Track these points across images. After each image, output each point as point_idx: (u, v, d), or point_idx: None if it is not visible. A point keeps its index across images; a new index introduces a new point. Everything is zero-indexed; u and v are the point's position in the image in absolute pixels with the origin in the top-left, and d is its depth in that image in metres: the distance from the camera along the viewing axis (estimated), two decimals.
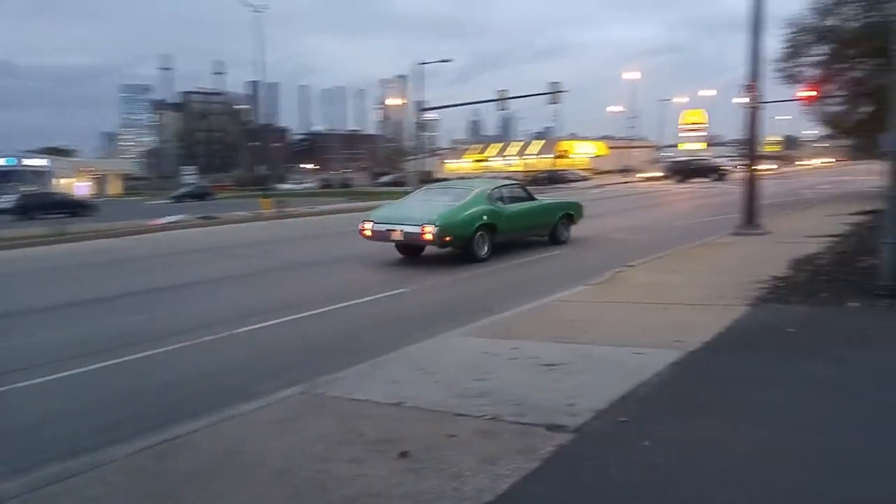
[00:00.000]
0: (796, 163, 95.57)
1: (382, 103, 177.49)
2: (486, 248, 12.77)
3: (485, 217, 12.76)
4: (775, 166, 71.51)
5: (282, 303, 9.55)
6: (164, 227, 24.94)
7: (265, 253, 16.66)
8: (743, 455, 3.73)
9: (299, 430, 4.43)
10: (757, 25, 14.95)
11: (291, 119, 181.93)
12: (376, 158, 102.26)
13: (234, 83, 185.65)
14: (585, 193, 45.17)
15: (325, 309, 9.00)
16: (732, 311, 7.08)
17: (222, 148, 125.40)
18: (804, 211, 20.67)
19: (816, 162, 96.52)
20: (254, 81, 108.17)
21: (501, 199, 13.62)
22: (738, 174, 58.85)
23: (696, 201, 30.65)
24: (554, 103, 45.08)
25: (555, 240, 14.83)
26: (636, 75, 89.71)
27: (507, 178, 67.26)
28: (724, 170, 54.83)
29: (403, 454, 3.93)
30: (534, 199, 15.00)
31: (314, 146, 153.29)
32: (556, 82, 43.44)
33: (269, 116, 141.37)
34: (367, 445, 4.10)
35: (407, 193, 21.25)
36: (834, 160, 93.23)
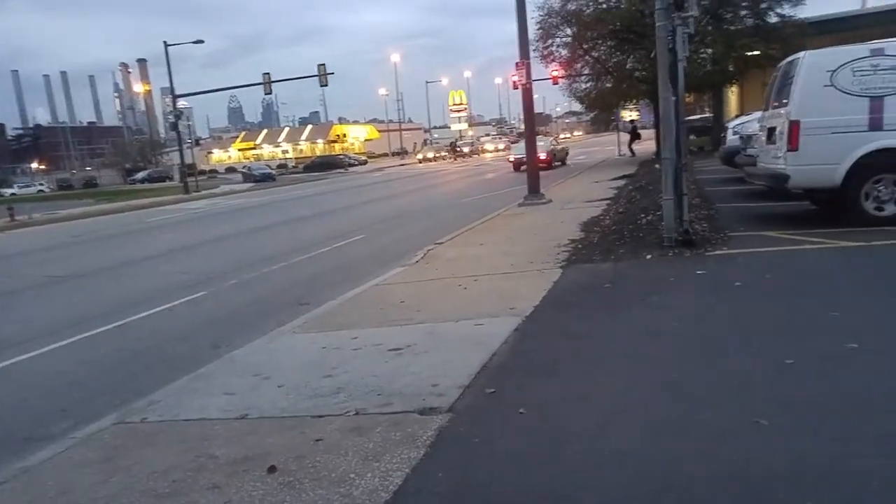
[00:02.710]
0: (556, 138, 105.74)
1: (123, 91, 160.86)
2: None
3: None
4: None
5: (50, 326, 8.20)
6: None
7: (12, 270, 14.34)
8: (608, 404, 3.90)
9: (130, 468, 3.76)
10: (521, 9, 15.82)
11: (3, 112, 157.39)
12: (125, 153, 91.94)
13: None
14: (368, 177, 45.59)
15: (108, 326, 7.91)
16: (549, 275, 7.46)
17: None
18: (573, 179, 22.64)
19: (568, 136, 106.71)
20: None
21: None
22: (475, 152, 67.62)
23: (474, 178, 32.23)
24: (323, 86, 44.19)
25: None
26: (398, 58, 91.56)
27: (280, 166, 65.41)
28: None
29: (271, 469, 3.54)
30: None
31: (39, 143, 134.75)
32: (323, 64, 42.54)
33: None
34: (224, 468, 3.62)
35: (179, 189, 19.72)
36: (581, 134, 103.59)
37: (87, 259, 14.90)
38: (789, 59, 9.32)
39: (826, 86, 8.28)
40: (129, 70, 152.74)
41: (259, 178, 52.89)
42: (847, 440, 3.20)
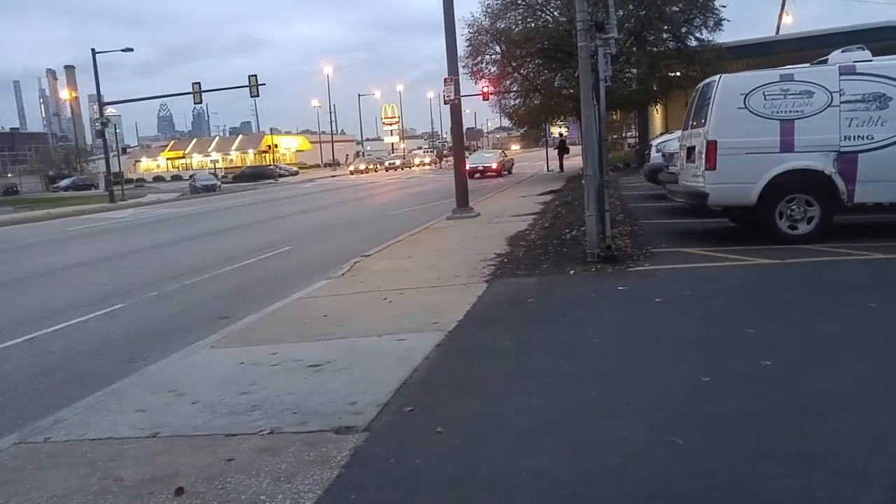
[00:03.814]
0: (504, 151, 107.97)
1: (49, 97, 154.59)
2: None
3: None
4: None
5: None
6: None
7: None
8: (526, 422, 3.90)
9: (28, 492, 3.54)
10: (450, 26, 15.94)
11: None
12: (49, 160, 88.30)
13: None
14: (299, 188, 44.94)
15: (16, 340, 7.45)
16: (473, 289, 7.48)
17: None
18: (501, 193, 22.90)
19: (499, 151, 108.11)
20: None
21: None
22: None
23: (406, 191, 32.22)
24: (254, 96, 43.61)
25: None
26: (331, 70, 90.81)
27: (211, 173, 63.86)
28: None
29: (179, 491, 3.38)
30: None
31: None
32: (254, 75, 42.09)
33: None
34: (129, 490, 3.44)
35: (105, 198, 19.03)
36: (518, 148, 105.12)
37: (1, 269, 14.10)
38: (706, 81, 9.70)
39: (740, 108, 8.63)
40: (56, 77, 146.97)
41: (200, 189, 48.42)
42: (758, 459, 3.24)
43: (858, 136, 8.44)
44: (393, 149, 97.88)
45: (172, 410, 4.58)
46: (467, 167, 38.59)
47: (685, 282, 7.18)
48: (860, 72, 8.55)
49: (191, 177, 60.37)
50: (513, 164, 43.94)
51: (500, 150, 54.58)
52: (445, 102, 16.54)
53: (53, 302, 9.65)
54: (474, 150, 56.84)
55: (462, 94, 17.42)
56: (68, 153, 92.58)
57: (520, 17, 29.98)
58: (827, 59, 9.10)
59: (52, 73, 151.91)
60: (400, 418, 4.08)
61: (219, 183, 53.24)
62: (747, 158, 8.68)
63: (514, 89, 33.73)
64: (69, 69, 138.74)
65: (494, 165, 38.48)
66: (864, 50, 9.08)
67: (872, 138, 8.41)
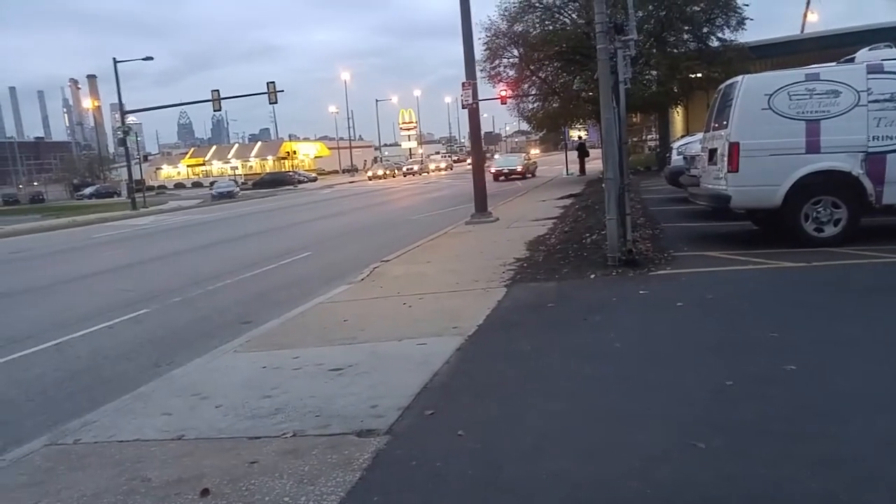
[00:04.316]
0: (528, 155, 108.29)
1: (73, 106, 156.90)
2: None
3: None
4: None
5: None
6: None
7: None
8: (546, 426, 3.91)
9: (59, 492, 3.63)
10: (468, 31, 15.97)
11: None
12: (73, 168, 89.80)
13: None
14: (317, 194, 45.24)
15: (45, 345, 7.59)
16: (493, 294, 7.49)
17: None
18: (520, 198, 22.85)
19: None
20: None
21: None
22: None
23: (424, 196, 32.28)
24: (273, 103, 43.97)
25: None
26: (348, 76, 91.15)
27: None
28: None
29: (205, 492, 3.44)
30: None
31: None
32: (272, 82, 42.54)
33: None
34: (157, 491, 3.50)
35: (127, 205, 19.28)
36: (538, 152, 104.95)
37: (29, 275, 14.37)
38: (729, 82, 9.59)
39: (764, 109, 8.50)
40: (79, 86, 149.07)
41: (217, 196, 48.76)
42: (779, 463, 3.23)
43: (887, 136, 8.26)
44: (411, 154, 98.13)
45: (197, 414, 4.65)
46: (493, 169, 41.46)
47: (707, 285, 7.11)
48: (888, 70, 8.36)
49: (211, 183, 60.63)
50: (536, 167, 45.50)
51: (524, 154, 56.26)
52: (463, 107, 16.55)
53: (80, 308, 9.82)
54: (492, 154, 58.07)
55: (480, 98, 17.46)
56: (91, 161, 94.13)
57: (537, 20, 29.93)
58: (854, 58, 8.96)
59: (74, 83, 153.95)
60: (421, 421, 4.11)
61: (237, 189, 53.55)
62: (771, 160, 8.55)
63: (533, 93, 33.65)
64: (91, 78, 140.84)
65: (520, 168, 40.74)
66: (891, 48, 8.93)
67: None
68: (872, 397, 3.98)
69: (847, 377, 4.32)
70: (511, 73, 31.54)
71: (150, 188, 60.10)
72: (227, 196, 48.49)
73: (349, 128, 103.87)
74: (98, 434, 4.47)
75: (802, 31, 37.64)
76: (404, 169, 72.45)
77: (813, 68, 8.99)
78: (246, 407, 4.65)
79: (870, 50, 8.92)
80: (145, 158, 66.64)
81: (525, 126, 48.74)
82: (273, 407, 4.58)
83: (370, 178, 66.40)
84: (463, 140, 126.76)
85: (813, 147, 8.43)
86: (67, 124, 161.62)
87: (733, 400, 4.08)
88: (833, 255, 7.97)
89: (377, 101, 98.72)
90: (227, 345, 6.54)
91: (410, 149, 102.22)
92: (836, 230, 8.59)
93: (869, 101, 8.28)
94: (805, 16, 41.10)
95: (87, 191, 72.77)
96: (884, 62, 8.53)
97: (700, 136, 12.26)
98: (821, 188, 8.52)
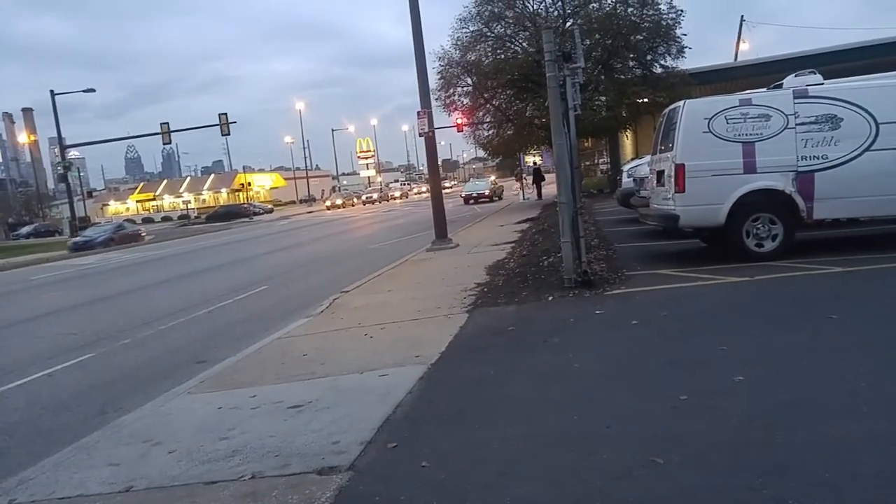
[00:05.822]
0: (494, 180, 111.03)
1: (6, 141, 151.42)
2: None
3: None
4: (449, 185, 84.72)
5: None
6: None
7: None
8: (510, 451, 3.88)
9: None
10: (421, 61, 16.13)
11: None
12: (8, 207, 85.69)
13: None
14: (274, 226, 44.73)
15: None
16: (455, 320, 7.47)
17: None
18: (478, 223, 22.97)
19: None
20: None
21: None
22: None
23: (384, 224, 32.23)
24: (225, 135, 43.73)
25: None
26: (303, 106, 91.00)
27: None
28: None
29: None
30: None
31: None
32: (224, 113, 42.23)
33: None
34: None
35: (62, 244, 18.55)
36: (495, 178, 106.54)
37: None
38: (672, 106, 9.93)
39: (705, 132, 8.88)
40: (14, 120, 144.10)
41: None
42: (734, 472, 3.30)
43: (814, 156, 8.75)
44: (370, 182, 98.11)
45: (148, 461, 4.46)
46: (464, 193, 45.59)
47: (660, 303, 7.24)
48: (812, 95, 8.90)
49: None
50: (503, 191, 49.83)
51: (491, 179, 61.97)
52: (420, 135, 16.63)
53: (17, 354, 9.38)
54: (451, 182, 62.39)
55: (436, 126, 17.59)
56: (29, 199, 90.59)
57: (489, 49, 30.51)
58: (782, 84, 9.41)
59: (9, 117, 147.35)
60: (384, 455, 4.03)
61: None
62: (714, 180, 8.89)
63: (488, 120, 34.17)
64: (27, 111, 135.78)
65: (487, 192, 45.24)
66: (815, 74, 9.45)
67: (827, 158, 8.73)
68: (815, 404, 4.12)
69: (791, 386, 4.45)
70: (466, 101, 32.02)
71: (97, 225, 58.30)
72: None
73: (305, 157, 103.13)
74: (36, 492, 4.21)
75: (736, 59, 39.68)
76: (363, 197, 72.66)
77: (746, 94, 9.44)
78: (201, 451, 4.49)
79: (796, 76, 9.44)
80: (89, 194, 64.63)
81: (482, 153, 49.50)
82: (230, 449, 4.44)
83: (328, 208, 66.22)
84: (422, 167, 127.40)
85: (750, 167, 8.83)
86: (1, 160, 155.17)
87: (688, 414, 4.15)
88: (773, 269, 8.30)
89: (333, 130, 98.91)
90: (180, 386, 6.33)
91: (369, 177, 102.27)
92: (774, 245, 8.99)
93: (797, 124, 8.76)
94: (738, 45, 43.41)
95: (24, 230, 69.21)
96: (808, 87, 9.06)
97: (648, 158, 12.57)
98: (759, 206, 8.93)
